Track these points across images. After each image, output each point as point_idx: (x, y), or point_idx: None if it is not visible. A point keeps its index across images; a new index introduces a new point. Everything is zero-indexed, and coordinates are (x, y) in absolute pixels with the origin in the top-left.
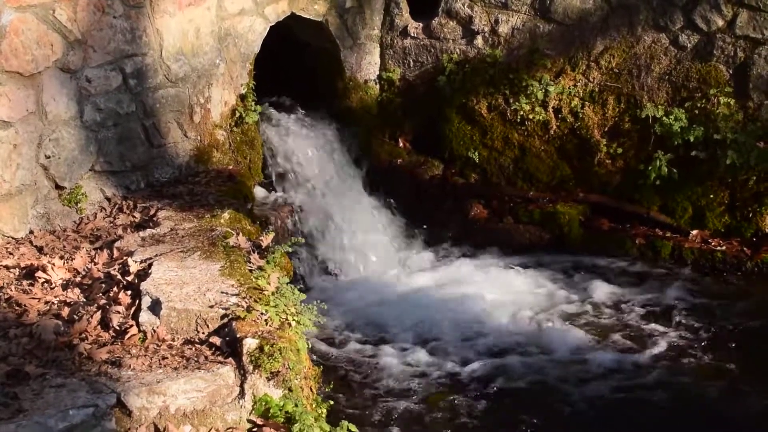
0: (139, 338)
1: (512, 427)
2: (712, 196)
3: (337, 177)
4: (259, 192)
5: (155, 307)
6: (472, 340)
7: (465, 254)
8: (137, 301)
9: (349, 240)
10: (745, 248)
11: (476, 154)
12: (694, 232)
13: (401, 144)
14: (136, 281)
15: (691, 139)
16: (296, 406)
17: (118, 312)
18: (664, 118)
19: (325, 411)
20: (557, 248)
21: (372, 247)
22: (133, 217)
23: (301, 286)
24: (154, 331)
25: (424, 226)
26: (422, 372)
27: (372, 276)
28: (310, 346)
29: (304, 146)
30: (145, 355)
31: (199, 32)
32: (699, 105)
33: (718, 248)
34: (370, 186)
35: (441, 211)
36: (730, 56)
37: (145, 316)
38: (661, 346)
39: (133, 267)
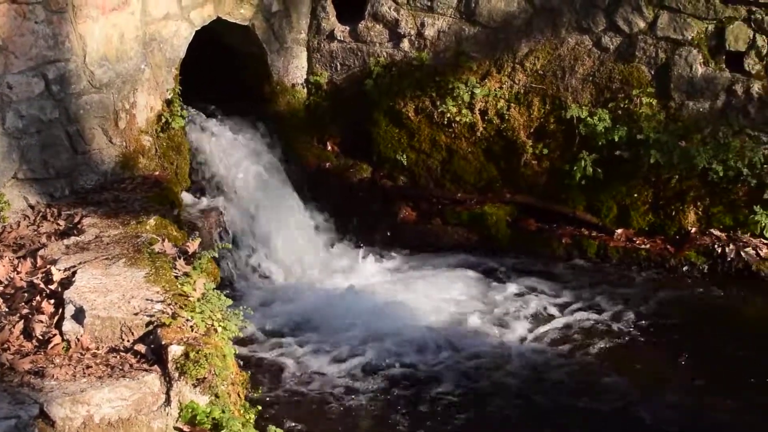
0: (63, 347)
1: (441, 427)
2: (636, 195)
3: (266, 181)
4: (187, 198)
5: (79, 315)
6: (400, 342)
7: (394, 256)
8: (60, 310)
9: (278, 244)
10: (668, 246)
11: (404, 156)
12: (619, 230)
13: (329, 147)
14: (60, 290)
15: (615, 139)
16: (223, 412)
17: (41, 321)
18: (589, 118)
19: (253, 416)
20: (485, 249)
21: (301, 251)
22: (58, 224)
23: (228, 291)
24: (78, 339)
25: (354, 229)
26: (352, 374)
27: (301, 279)
28: (237, 352)
29: (231, 151)
30: (68, 365)
31: (124, 37)
32: (622, 105)
33: (643, 246)
34: (299, 190)
35: (370, 214)
36: (652, 57)
37: (68, 325)
38: (587, 344)
39: (57, 275)
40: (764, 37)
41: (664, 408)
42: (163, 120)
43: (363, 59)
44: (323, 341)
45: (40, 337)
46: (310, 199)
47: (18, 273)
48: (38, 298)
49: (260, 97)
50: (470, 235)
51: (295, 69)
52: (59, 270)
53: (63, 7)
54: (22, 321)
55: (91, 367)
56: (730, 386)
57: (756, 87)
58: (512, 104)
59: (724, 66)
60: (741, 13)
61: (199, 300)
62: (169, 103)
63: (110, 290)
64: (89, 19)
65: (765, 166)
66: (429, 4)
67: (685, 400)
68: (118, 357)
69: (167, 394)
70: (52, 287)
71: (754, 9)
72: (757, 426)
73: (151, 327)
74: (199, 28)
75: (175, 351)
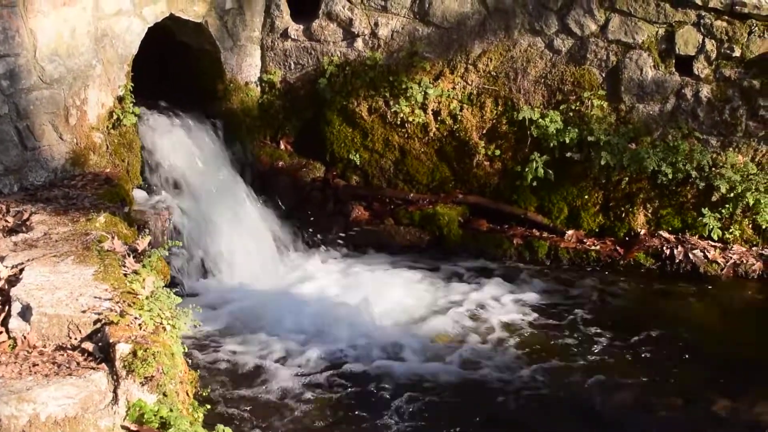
0: (9, 345)
1: (389, 427)
2: (586, 196)
3: (218, 179)
4: (138, 195)
5: (26, 313)
6: (351, 342)
7: (346, 256)
8: (7, 308)
9: (230, 242)
10: (618, 247)
11: (357, 156)
12: (570, 232)
13: (283, 146)
14: (7, 287)
15: (566, 140)
16: (171, 410)
17: None
18: (540, 120)
19: (201, 415)
20: (437, 249)
21: (253, 250)
22: (6, 221)
23: (178, 289)
24: (24, 337)
25: (306, 228)
26: (302, 374)
27: (253, 279)
28: (186, 350)
29: (184, 148)
30: (14, 363)
31: (75, 32)
32: (573, 107)
33: (593, 248)
34: (252, 188)
35: (323, 213)
36: (603, 60)
37: (15, 323)
38: (535, 344)
39: (4, 272)
40: (713, 41)
41: (615, 403)
42: (115, 117)
43: (317, 58)
44: (273, 341)
45: None
46: (262, 197)
47: None
48: None
49: (213, 94)
50: (422, 235)
51: (248, 67)
52: (6, 267)
53: (13, 1)
54: None
55: (38, 365)
56: (677, 384)
57: (705, 91)
58: (465, 105)
59: (673, 70)
60: (691, 17)
61: (147, 298)
62: (120, 99)
63: (58, 288)
64: (40, 13)
65: (713, 168)
66: (383, 3)
67: (634, 396)
68: (65, 355)
69: (115, 392)
70: None
71: (703, 13)
72: (701, 421)
73: (98, 325)
74: (151, 24)
75: (122, 349)
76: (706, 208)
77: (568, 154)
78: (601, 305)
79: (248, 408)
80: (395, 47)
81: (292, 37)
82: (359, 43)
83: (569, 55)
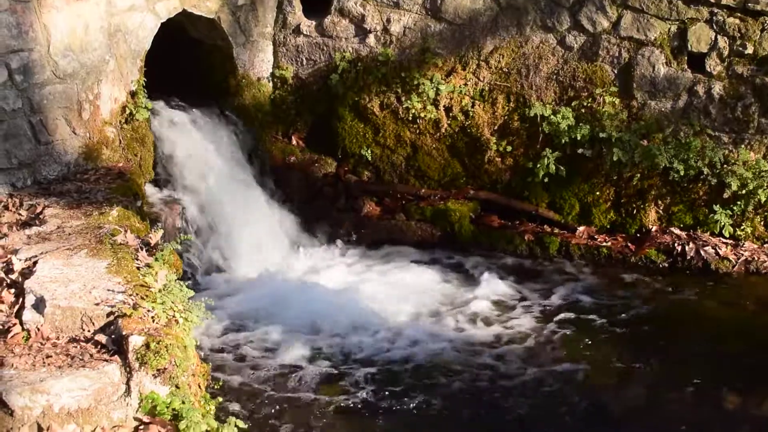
0: (23, 337)
1: (398, 422)
2: (598, 193)
3: (230, 174)
4: (150, 189)
5: (39, 305)
6: (362, 336)
7: (357, 250)
8: (21, 300)
9: (242, 237)
10: (629, 243)
11: (369, 152)
12: (581, 228)
13: (294, 142)
14: (21, 279)
15: (578, 137)
16: (183, 403)
17: (1, 311)
18: (552, 116)
19: (213, 408)
20: (448, 245)
21: (265, 245)
22: (19, 215)
23: (191, 283)
24: (38, 329)
25: (318, 223)
26: (313, 368)
27: (264, 273)
28: (198, 343)
29: (196, 144)
30: (28, 354)
31: (88, 28)
32: (585, 104)
33: (604, 244)
34: (264, 184)
35: (334, 209)
36: (615, 56)
37: (28, 315)
38: (547, 340)
39: (18, 265)
40: (726, 38)
41: (625, 398)
42: (128, 111)
43: (329, 54)
44: (284, 334)
45: (0, 327)
46: (274, 192)
47: None
48: None
49: (226, 90)
50: (434, 231)
51: (260, 63)
52: (20, 260)
53: None
54: None
55: (51, 356)
56: (688, 380)
57: (717, 88)
58: (477, 101)
59: (686, 66)
60: (703, 14)
61: (160, 291)
62: (133, 94)
63: (71, 280)
64: (53, 8)
65: (725, 165)
66: (395, 0)
67: (645, 391)
68: (79, 347)
69: (127, 384)
70: (13, 277)
71: (716, 10)
72: (710, 418)
73: (112, 317)
74: (164, 20)
75: (135, 341)
76: (718, 205)
77: (580, 151)
78: (611, 301)
79: (259, 401)
80: (407, 43)
81: (304, 33)
82: (371, 39)
83: (581, 52)
